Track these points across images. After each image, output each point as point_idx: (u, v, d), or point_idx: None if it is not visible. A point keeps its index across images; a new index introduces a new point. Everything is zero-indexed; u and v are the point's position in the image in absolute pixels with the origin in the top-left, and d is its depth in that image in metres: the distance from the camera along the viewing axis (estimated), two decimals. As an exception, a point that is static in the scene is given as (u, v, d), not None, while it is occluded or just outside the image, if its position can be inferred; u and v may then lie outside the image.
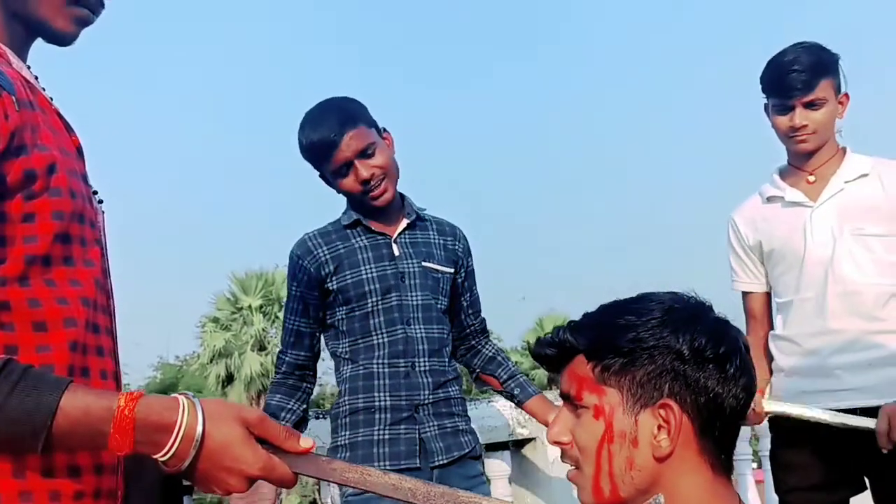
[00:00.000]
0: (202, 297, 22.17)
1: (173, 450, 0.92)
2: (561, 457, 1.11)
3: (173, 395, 0.97)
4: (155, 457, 0.94)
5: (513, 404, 2.49)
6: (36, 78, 1.13)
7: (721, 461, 1.05)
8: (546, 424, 2.08)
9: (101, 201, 1.16)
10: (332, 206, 2.16)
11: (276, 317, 21.64)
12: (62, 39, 1.12)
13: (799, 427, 2.17)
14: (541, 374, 23.56)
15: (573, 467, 1.08)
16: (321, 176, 2.07)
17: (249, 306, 21.58)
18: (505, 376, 2.26)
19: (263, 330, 21.51)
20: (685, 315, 1.04)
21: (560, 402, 1.12)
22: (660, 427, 1.01)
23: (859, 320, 2.09)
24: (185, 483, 1.17)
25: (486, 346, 2.29)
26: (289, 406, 2.10)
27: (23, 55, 1.12)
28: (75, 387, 0.91)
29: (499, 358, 2.28)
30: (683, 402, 1.01)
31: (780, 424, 2.25)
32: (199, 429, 0.93)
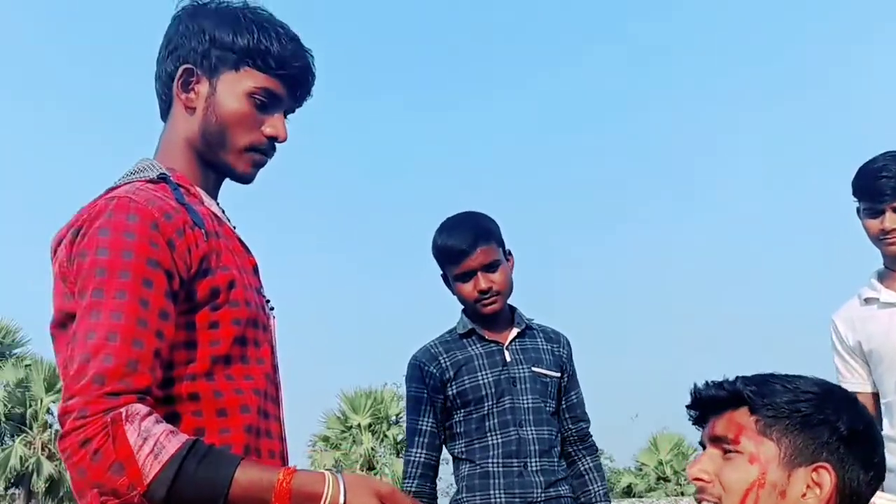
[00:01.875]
0: (312, 415, 22.55)
1: None
2: (695, 495, 1.21)
3: (321, 470, 1.17)
4: None
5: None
6: (223, 211, 1.40)
7: None
8: None
9: (272, 308, 1.41)
10: (435, 325, 2.36)
11: (385, 435, 21.78)
12: (243, 179, 1.40)
13: None
14: (640, 489, 22.55)
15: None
16: (443, 276, 2.31)
17: (359, 425, 21.81)
18: (583, 500, 2.29)
19: (372, 449, 21.62)
20: (843, 398, 1.21)
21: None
22: (809, 487, 1.13)
23: None
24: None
25: (582, 460, 2.33)
26: None
27: (214, 194, 1.40)
28: (246, 462, 1.12)
29: (587, 477, 2.31)
30: (834, 471, 1.14)
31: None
32: (342, 499, 1.11)
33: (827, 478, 1.13)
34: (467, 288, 2.23)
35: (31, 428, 19.83)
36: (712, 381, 1.24)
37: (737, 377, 1.22)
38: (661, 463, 23.00)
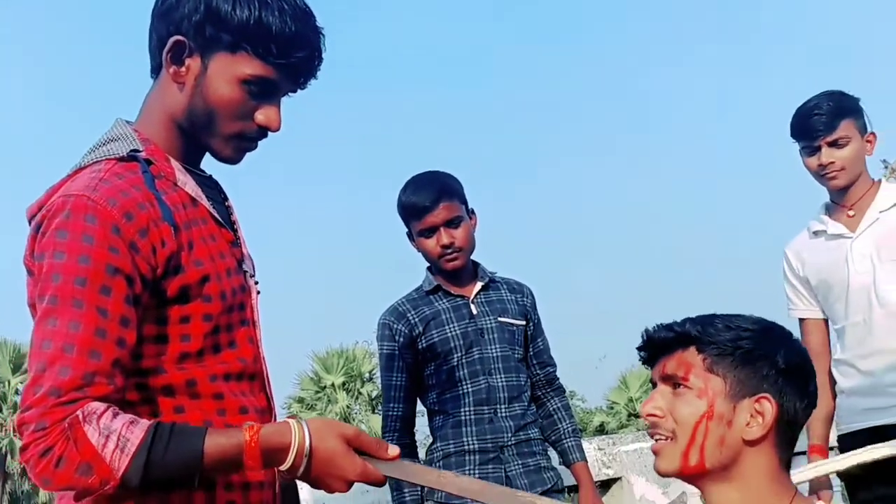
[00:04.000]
0: (286, 377, 22.62)
1: (290, 463, 1.15)
2: (648, 430, 1.31)
3: (285, 419, 1.19)
4: (278, 468, 1.17)
5: (598, 447, 2.69)
6: (207, 177, 1.35)
7: (786, 458, 1.29)
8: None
9: (256, 282, 1.38)
10: (401, 283, 2.44)
11: (360, 393, 21.97)
12: (228, 162, 1.33)
13: (866, 444, 2.31)
14: (613, 427, 23.09)
15: (661, 439, 1.28)
16: (408, 233, 2.36)
17: (332, 384, 21.94)
18: (553, 438, 2.43)
19: (348, 407, 21.81)
20: (781, 334, 1.30)
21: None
22: (752, 416, 1.24)
23: None
24: None
25: (551, 402, 2.46)
26: None
27: (196, 163, 1.33)
28: (212, 431, 1.14)
29: (556, 416, 2.44)
30: (775, 401, 1.25)
31: (849, 444, 2.38)
32: (308, 445, 1.15)
33: (768, 407, 1.23)
34: (430, 243, 2.29)
35: (0, 410, 19.69)
36: (662, 324, 1.32)
37: (684, 319, 1.31)
38: (631, 400, 23.51)
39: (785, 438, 1.27)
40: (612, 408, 24.45)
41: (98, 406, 1.10)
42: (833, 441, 2.56)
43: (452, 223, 2.27)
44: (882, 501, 2.28)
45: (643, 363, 1.36)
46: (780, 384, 1.25)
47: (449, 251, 2.28)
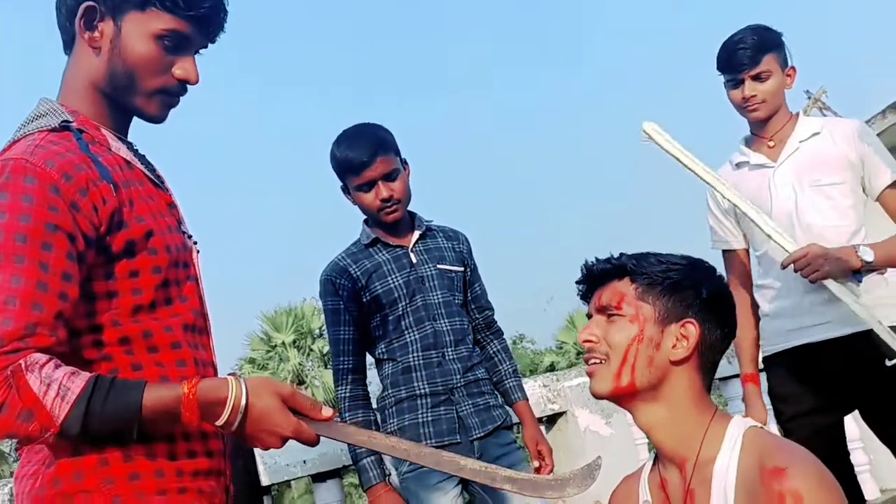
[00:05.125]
0: (236, 339, 22.52)
1: (225, 418, 1.19)
2: (584, 355, 1.40)
3: (224, 376, 1.24)
4: (213, 423, 1.20)
5: (543, 384, 2.78)
6: (135, 149, 1.38)
7: (708, 381, 1.40)
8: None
9: (195, 242, 1.42)
10: (343, 238, 2.47)
11: (311, 350, 21.96)
12: (153, 120, 1.37)
13: (790, 363, 2.45)
14: (562, 366, 23.65)
15: (595, 362, 1.37)
16: (343, 188, 2.39)
17: (283, 343, 21.87)
18: (495, 379, 2.51)
19: (300, 364, 21.79)
20: (706, 269, 1.42)
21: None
22: (678, 340, 1.35)
23: None
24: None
25: (491, 344, 2.55)
26: (372, 418, 2.40)
27: (124, 132, 1.38)
28: (151, 385, 1.18)
29: (496, 359, 2.53)
30: (699, 325, 1.36)
31: (774, 363, 2.53)
32: (244, 401, 1.20)
33: (693, 330, 1.35)
34: (369, 198, 2.32)
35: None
36: (599, 258, 1.42)
37: (620, 254, 1.41)
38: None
39: (706, 362, 1.38)
40: (561, 348, 24.86)
41: (40, 357, 1.13)
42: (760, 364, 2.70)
43: (390, 176, 2.31)
44: (804, 416, 2.43)
45: (581, 297, 1.45)
46: (703, 312, 1.36)
47: (388, 204, 2.31)
